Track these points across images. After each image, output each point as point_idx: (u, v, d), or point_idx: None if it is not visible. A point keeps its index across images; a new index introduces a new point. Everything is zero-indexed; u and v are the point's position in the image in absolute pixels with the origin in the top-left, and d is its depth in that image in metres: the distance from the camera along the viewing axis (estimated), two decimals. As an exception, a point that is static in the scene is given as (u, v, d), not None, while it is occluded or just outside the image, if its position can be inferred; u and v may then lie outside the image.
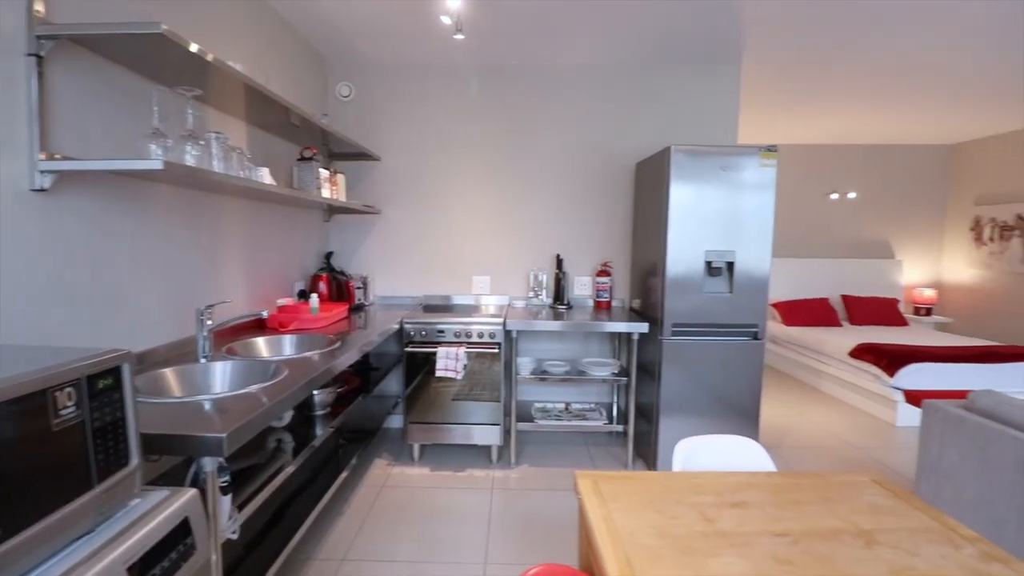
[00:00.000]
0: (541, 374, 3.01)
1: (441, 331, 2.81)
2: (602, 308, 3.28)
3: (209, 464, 1.15)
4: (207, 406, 1.27)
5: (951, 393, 3.40)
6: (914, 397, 3.47)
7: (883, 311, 5.20)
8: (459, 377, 2.73)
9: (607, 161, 3.39)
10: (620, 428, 3.01)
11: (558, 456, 3.04)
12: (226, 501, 1.20)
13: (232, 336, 2.15)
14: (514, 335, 2.86)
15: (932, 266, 5.82)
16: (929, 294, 5.57)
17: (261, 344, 2.15)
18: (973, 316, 5.40)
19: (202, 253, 2.02)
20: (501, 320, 2.81)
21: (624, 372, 3.00)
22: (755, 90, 3.76)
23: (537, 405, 3.30)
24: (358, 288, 3.16)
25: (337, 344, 2.07)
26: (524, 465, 2.91)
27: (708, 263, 2.69)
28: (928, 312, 5.56)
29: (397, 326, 2.76)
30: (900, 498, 1.19)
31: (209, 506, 1.13)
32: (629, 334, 2.84)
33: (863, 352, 3.88)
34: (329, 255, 3.27)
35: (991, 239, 5.14)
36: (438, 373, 2.72)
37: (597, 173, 3.40)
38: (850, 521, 1.07)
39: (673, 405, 2.73)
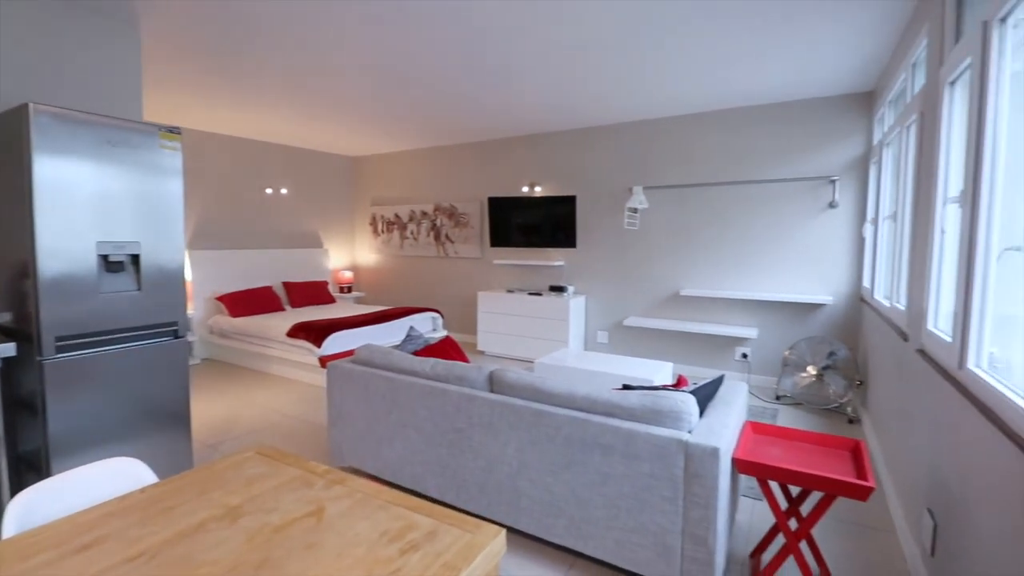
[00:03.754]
0: None
1: None
2: (-70, 331, 2.18)
3: None
4: None
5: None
6: (324, 362, 4.19)
7: (316, 292, 6.07)
8: None
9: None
10: (-16, 495, 2.13)
11: None
12: None
13: None
14: None
15: (349, 252, 7.28)
16: (348, 275, 6.95)
17: None
18: (377, 289, 7.17)
19: None
20: None
21: (-16, 416, 2.12)
22: (171, 67, 3.42)
23: None
24: None
25: None
26: None
27: (105, 257, 2.25)
28: (349, 290, 6.95)
29: None
30: (276, 460, 1.37)
31: None
32: (-18, 362, 2.02)
33: (297, 331, 4.38)
34: None
35: (382, 231, 6.93)
36: None
37: None
38: (221, 504, 1.13)
39: (71, 442, 2.16)
